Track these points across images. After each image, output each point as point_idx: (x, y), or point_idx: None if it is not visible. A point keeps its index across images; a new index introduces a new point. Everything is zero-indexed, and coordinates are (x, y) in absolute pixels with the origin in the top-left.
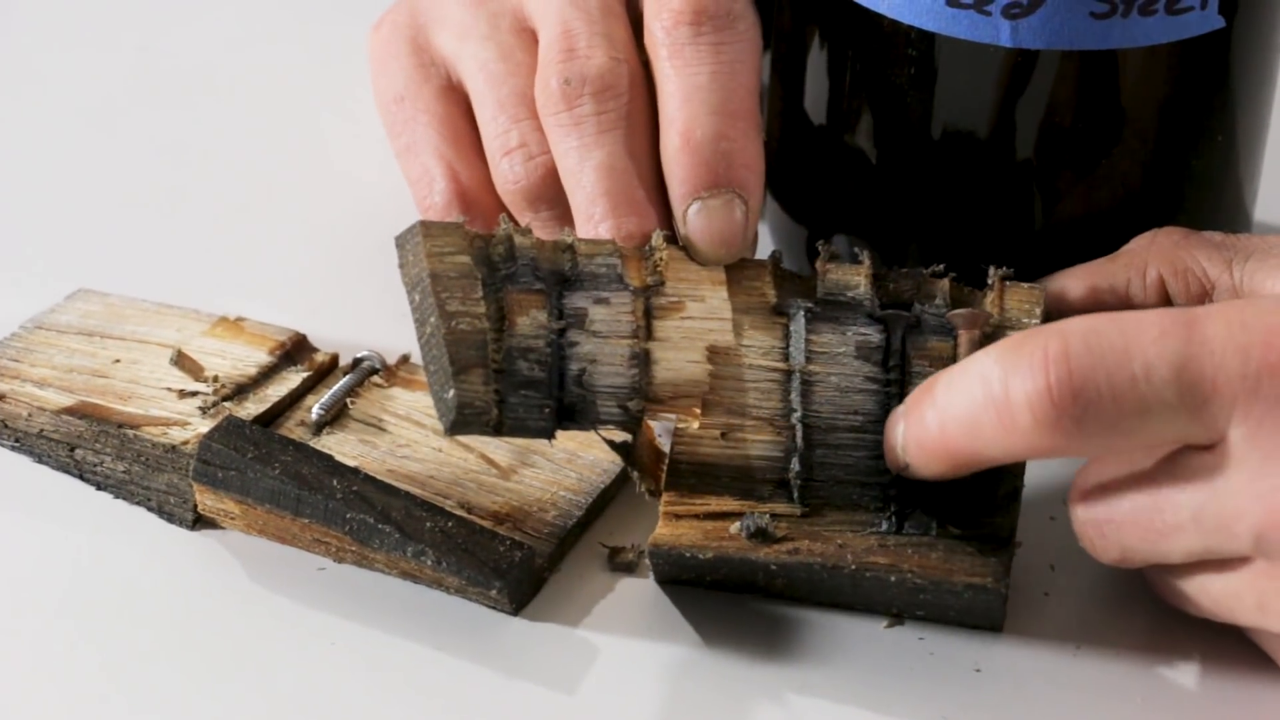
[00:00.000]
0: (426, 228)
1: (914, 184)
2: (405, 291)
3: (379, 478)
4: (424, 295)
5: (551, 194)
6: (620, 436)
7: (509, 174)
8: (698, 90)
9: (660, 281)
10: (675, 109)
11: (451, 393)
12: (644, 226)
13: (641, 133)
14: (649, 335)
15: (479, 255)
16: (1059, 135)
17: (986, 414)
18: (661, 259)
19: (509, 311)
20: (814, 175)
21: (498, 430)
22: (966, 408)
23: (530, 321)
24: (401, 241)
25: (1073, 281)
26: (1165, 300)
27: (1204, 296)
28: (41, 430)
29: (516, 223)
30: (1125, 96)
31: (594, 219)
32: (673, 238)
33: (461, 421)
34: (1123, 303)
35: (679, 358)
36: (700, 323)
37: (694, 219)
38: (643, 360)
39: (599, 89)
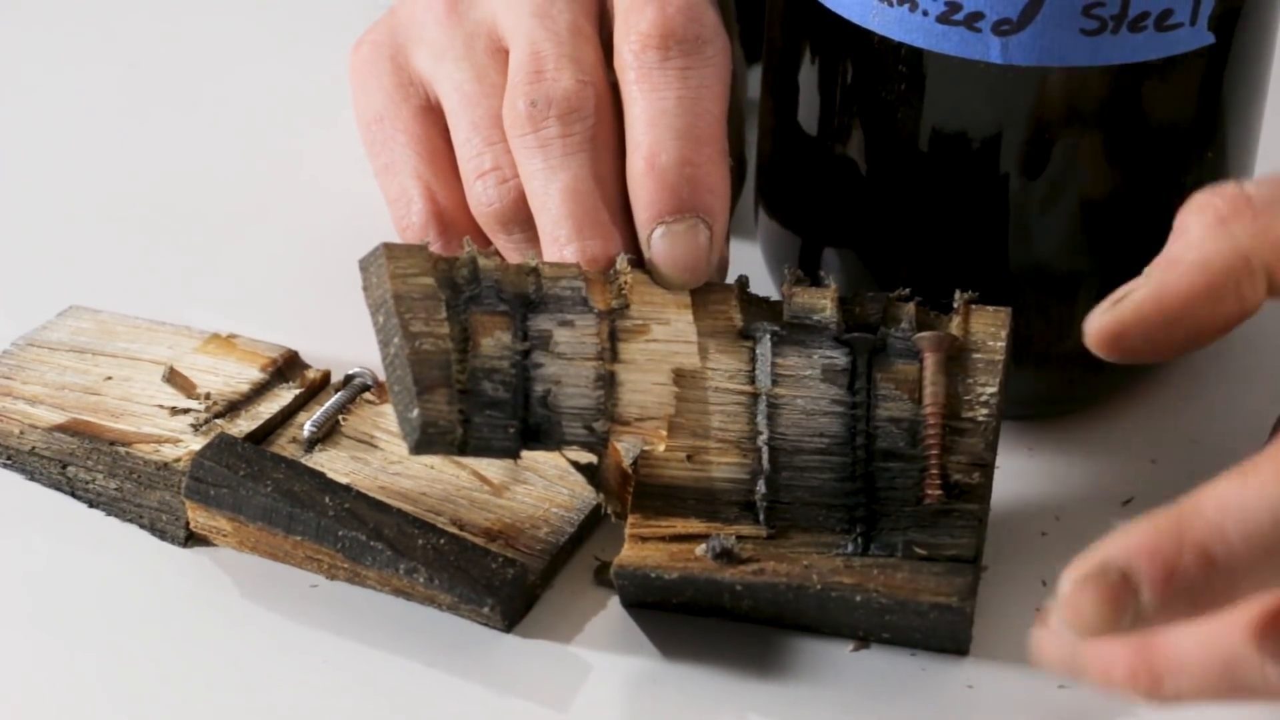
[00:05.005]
0: (390, 250)
1: (905, 200)
2: (369, 314)
3: (371, 495)
4: (387, 316)
5: (524, 216)
6: (586, 458)
7: (482, 196)
8: (663, 114)
9: (625, 305)
10: (640, 133)
11: (416, 412)
12: (608, 249)
13: (608, 155)
14: (614, 358)
15: (443, 278)
16: (1049, 151)
17: None
18: (626, 282)
19: (473, 333)
20: (806, 191)
21: (462, 450)
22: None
23: (494, 343)
24: (365, 264)
25: (1171, 299)
26: (1269, 282)
27: None
28: (33, 448)
29: (488, 242)
30: (1115, 113)
31: (559, 241)
32: (637, 261)
33: (425, 440)
34: (1236, 307)
35: (644, 380)
36: (665, 345)
37: (658, 244)
38: (608, 382)
39: (564, 111)
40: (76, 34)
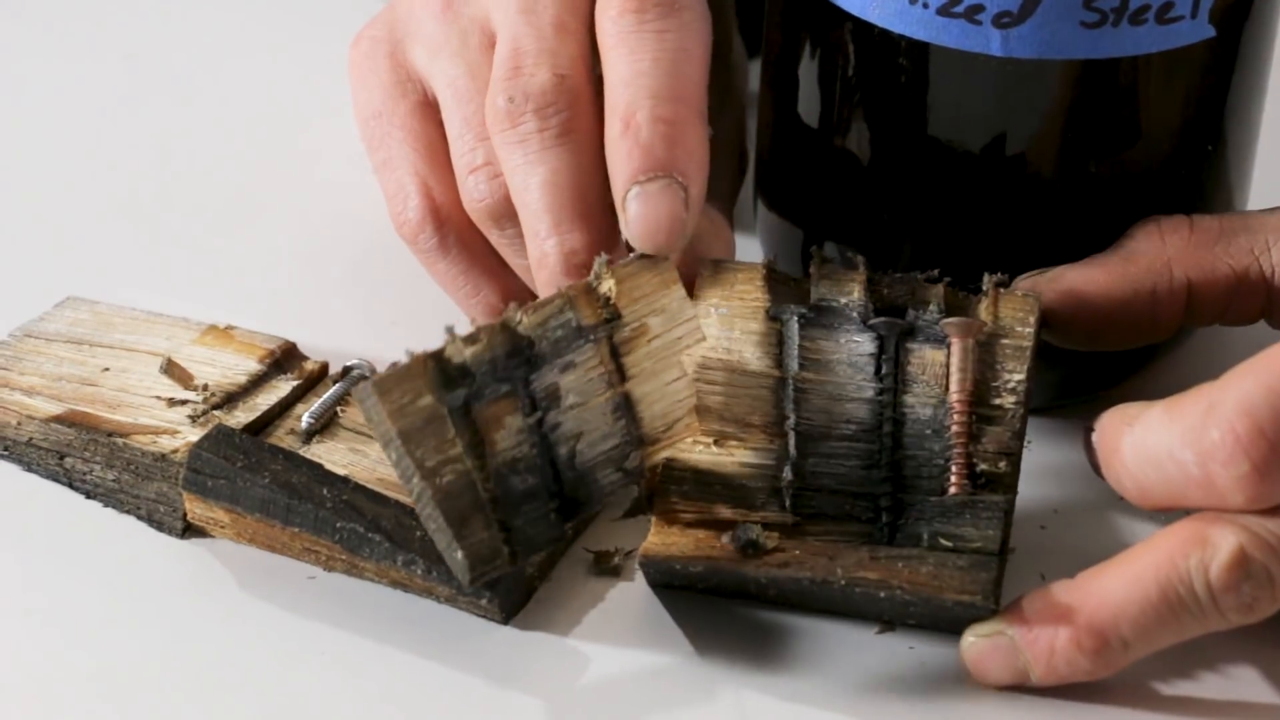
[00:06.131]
0: (379, 387)
1: (906, 192)
2: (380, 444)
3: (369, 486)
4: (399, 454)
5: (515, 211)
6: (631, 495)
7: (474, 192)
8: (639, 75)
9: (615, 315)
10: (617, 96)
11: (459, 554)
12: (588, 241)
13: (590, 149)
14: (623, 377)
15: (436, 378)
16: (1049, 144)
17: (1191, 492)
18: (610, 290)
19: (485, 431)
20: (806, 185)
21: (514, 561)
22: (1167, 487)
23: (507, 433)
24: (361, 398)
25: (1089, 284)
26: (1188, 302)
27: (1232, 292)
28: (31, 438)
29: (482, 238)
30: (1116, 106)
31: (539, 236)
32: (614, 260)
33: (478, 575)
34: (1147, 308)
35: (658, 387)
36: (667, 337)
37: (632, 205)
38: (625, 407)
39: (540, 105)
40: (74, 25)
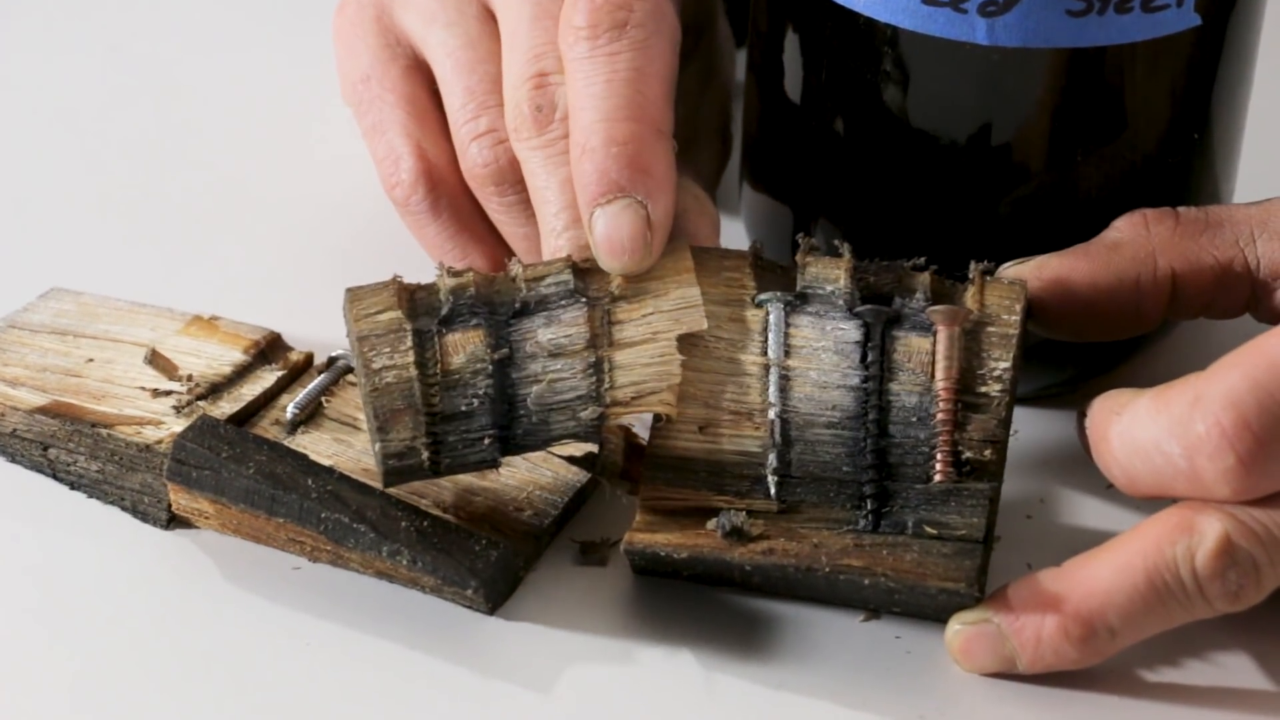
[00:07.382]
0: (352, 293)
1: (892, 182)
2: (351, 351)
3: (354, 477)
4: (357, 358)
5: (518, 177)
6: (584, 449)
7: (478, 158)
8: (593, 99)
9: (618, 289)
10: (575, 121)
11: (377, 446)
12: None
13: None
14: (608, 342)
15: (420, 306)
16: (1035, 132)
17: (1177, 483)
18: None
19: (444, 355)
20: (791, 171)
21: (436, 471)
22: (1155, 477)
23: (465, 358)
24: (343, 310)
25: (1074, 272)
26: (1172, 293)
27: (1217, 284)
28: (14, 430)
29: (475, 202)
30: (1101, 94)
31: (555, 231)
32: None
33: (392, 472)
34: (1132, 298)
35: (641, 356)
36: (666, 315)
37: (597, 226)
38: (599, 368)
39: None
40: (58, 17)
